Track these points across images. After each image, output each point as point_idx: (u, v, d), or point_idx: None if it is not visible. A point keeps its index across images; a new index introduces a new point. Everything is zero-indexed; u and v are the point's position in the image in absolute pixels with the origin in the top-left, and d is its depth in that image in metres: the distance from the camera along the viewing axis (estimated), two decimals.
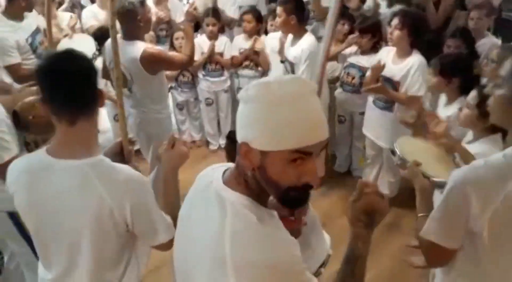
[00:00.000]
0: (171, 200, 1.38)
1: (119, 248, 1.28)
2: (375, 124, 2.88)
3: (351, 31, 3.31)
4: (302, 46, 2.88)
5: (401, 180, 2.98)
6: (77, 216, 1.19)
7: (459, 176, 1.17)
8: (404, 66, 2.63)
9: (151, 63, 2.47)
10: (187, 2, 4.16)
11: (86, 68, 1.21)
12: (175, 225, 1.30)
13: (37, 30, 2.91)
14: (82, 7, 4.20)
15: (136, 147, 3.36)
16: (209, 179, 0.96)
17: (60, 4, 4.15)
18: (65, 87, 1.16)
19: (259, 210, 0.88)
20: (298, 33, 2.95)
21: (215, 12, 3.64)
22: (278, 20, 2.95)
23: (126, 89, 2.53)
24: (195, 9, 2.70)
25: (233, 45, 3.76)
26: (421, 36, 2.62)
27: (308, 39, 2.90)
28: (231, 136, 2.25)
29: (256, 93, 0.83)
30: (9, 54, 2.71)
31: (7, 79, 2.71)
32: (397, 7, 3.29)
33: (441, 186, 1.59)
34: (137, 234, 1.28)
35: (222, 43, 3.72)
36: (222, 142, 4.01)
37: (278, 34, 3.36)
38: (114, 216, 1.19)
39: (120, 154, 1.56)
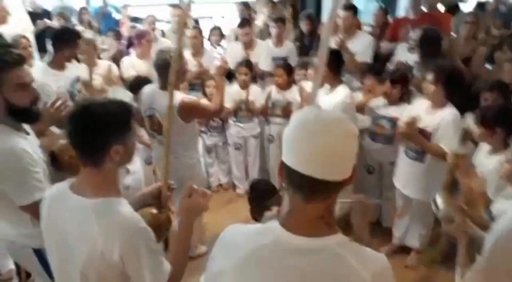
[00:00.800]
0: (179, 248, 1.39)
1: None
2: (405, 174, 2.82)
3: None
4: (336, 97, 2.93)
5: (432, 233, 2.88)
6: (76, 252, 1.22)
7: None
8: (437, 118, 2.62)
9: (187, 112, 2.60)
10: (219, 54, 4.38)
11: (100, 121, 1.22)
12: (180, 273, 1.34)
13: (76, 79, 3.11)
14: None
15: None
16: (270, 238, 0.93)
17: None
18: (76, 137, 1.24)
19: None
20: (333, 84, 3.00)
21: (247, 63, 3.82)
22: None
23: (162, 136, 2.65)
24: (225, 63, 2.89)
25: (263, 95, 3.86)
26: (456, 91, 2.61)
27: (342, 91, 2.96)
28: (255, 187, 2.29)
29: (300, 114, 0.93)
30: (49, 97, 2.88)
31: None
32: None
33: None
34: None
35: (254, 93, 3.84)
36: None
37: (307, 83, 3.47)
38: (105, 258, 1.18)
39: (158, 197, 1.59)
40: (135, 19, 5.72)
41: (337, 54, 3.05)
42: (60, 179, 2.22)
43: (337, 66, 2.99)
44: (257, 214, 2.14)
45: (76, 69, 3.19)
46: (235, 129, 3.92)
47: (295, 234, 0.92)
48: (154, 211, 1.56)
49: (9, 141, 1.63)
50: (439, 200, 1.63)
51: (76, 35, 3.18)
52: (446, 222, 1.58)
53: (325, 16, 6.60)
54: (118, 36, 4.68)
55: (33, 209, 1.52)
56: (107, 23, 5.32)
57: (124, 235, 1.19)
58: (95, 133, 1.22)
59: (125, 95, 3.51)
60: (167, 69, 2.45)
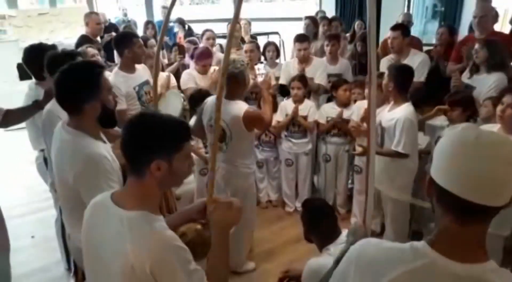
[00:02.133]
0: (215, 264, 1.33)
1: None
2: None
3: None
4: (397, 114, 2.82)
5: None
6: (109, 263, 1.18)
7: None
8: None
9: (251, 122, 2.73)
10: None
11: (142, 137, 1.20)
12: None
13: (145, 82, 3.26)
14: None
15: None
16: None
17: (170, 64, 4.59)
18: (124, 141, 1.23)
19: None
20: (397, 100, 2.92)
21: (301, 77, 3.77)
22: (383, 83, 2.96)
23: (223, 143, 2.77)
24: (269, 78, 3.05)
25: (320, 112, 3.79)
26: None
27: (406, 109, 2.83)
28: (307, 205, 2.20)
29: (458, 131, 0.89)
30: (118, 101, 3.00)
31: None
32: (494, 75, 3.14)
33: None
34: None
35: (307, 107, 3.77)
36: (298, 204, 3.93)
37: (364, 103, 3.36)
38: (136, 272, 1.12)
39: (203, 212, 1.55)
40: (190, 34, 5.90)
41: (404, 70, 2.95)
42: None
43: (401, 82, 2.88)
44: (313, 235, 2.03)
45: (145, 73, 3.34)
46: (286, 145, 3.85)
47: (449, 258, 0.88)
48: (199, 226, 1.51)
49: (90, 146, 1.69)
50: None
51: (131, 35, 3.33)
52: None
53: (381, 32, 6.48)
54: (182, 50, 4.82)
55: None
56: (168, 37, 5.52)
57: (156, 252, 1.13)
58: (140, 142, 1.21)
59: (178, 97, 3.59)
60: (234, 80, 2.69)
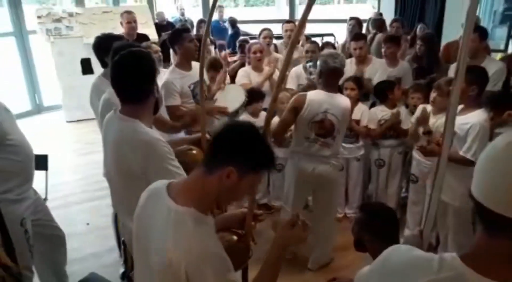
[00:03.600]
0: (265, 278, 1.28)
1: None
2: None
3: None
4: (472, 119, 2.61)
5: None
6: (151, 254, 1.17)
7: None
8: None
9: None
10: None
11: (245, 143, 1.18)
12: None
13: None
14: None
15: None
16: None
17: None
18: (218, 138, 1.20)
19: None
20: (471, 105, 2.67)
21: (355, 78, 3.64)
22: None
23: (329, 138, 2.83)
24: None
25: (371, 115, 3.64)
26: None
27: (481, 114, 2.63)
28: (368, 208, 2.07)
29: (496, 140, 0.80)
30: (172, 96, 3.11)
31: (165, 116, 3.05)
32: None
33: None
34: None
35: (360, 111, 3.64)
36: (348, 211, 3.83)
37: (428, 106, 3.19)
38: (173, 267, 1.10)
39: (242, 223, 1.54)
40: (236, 33, 5.91)
41: (485, 73, 2.72)
42: None
43: (483, 86, 2.67)
44: (369, 241, 1.86)
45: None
46: None
47: (477, 273, 0.81)
48: (234, 237, 1.48)
49: (148, 132, 1.72)
50: None
51: (182, 30, 3.34)
52: None
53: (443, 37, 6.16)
54: (243, 49, 4.84)
55: None
56: (222, 36, 5.57)
57: (192, 254, 1.10)
58: (232, 143, 1.18)
59: (239, 90, 3.58)
60: (336, 74, 2.73)
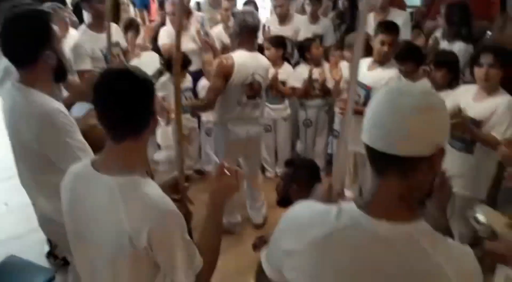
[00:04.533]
0: (209, 236, 1.26)
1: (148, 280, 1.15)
2: (450, 167, 2.59)
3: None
4: (382, 74, 2.76)
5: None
6: (102, 239, 1.11)
7: None
8: (489, 104, 2.38)
9: None
10: None
11: (138, 89, 1.13)
12: (212, 265, 1.22)
13: (115, 44, 3.01)
14: None
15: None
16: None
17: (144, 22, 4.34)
18: (113, 107, 1.12)
19: None
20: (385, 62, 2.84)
21: (275, 38, 3.60)
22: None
23: (257, 98, 2.84)
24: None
25: (294, 75, 3.67)
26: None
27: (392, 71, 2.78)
28: (293, 163, 2.12)
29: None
30: (81, 60, 2.87)
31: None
32: (458, 44, 3.16)
33: None
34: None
35: (285, 72, 3.65)
36: (279, 170, 3.91)
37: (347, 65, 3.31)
38: (134, 244, 1.07)
39: (176, 188, 1.49)
40: None
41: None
42: None
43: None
44: (295, 192, 1.91)
45: (116, 34, 3.09)
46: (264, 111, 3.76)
47: (374, 217, 0.85)
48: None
49: (44, 102, 1.57)
50: (481, 215, 1.46)
51: None
52: (489, 239, 1.41)
53: None
54: (162, 6, 4.56)
55: None
56: None
57: (153, 220, 1.07)
58: (135, 101, 1.12)
59: (155, 59, 3.44)
60: (255, 31, 2.68)
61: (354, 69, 1.21)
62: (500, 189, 2.43)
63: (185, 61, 3.48)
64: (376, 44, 2.83)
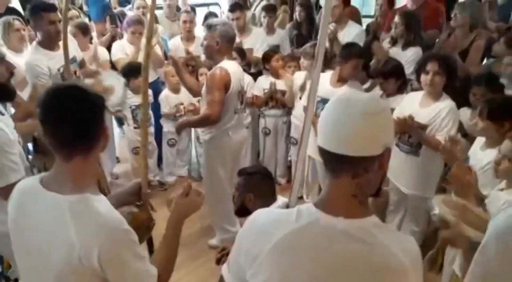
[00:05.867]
0: (168, 248, 1.28)
1: None
2: (399, 168, 2.72)
3: None
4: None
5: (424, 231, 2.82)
6: (51, 257, 1.07)
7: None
8: (433, 109, 2.53)
9: None
10: None
11: (86, 105, 1.10)
12: (168, 274, 1.23)
13: (71, 60, 2.87)
14: None
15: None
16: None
17: (103, 34, 4.27)
18: (59, 124, 1.09)
19: None
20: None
21: (238, 50, 3.65)
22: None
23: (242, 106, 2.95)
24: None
25: (256, 85, 3.76)
26: (454, 81, 2.54)
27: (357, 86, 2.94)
28: (244, 172, 2.14)
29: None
30: (39, 78, 2.73)
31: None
32: (413, 50, 3.31)
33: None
34: None
35: (246, 82, 3.70)
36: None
37: (303, 73, 3.43)
38: (84, 263, 1.04)
39: (137, 194, 1.49)
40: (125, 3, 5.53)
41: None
42: (40, 165, 2.15)
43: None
44: (250, 200, 1.94)
45: (72, 50, 2.88)
46: None
47: (328, 214, 0.91)
48: (135, 209, 1.45)
49: None
50: (436, 208, 1.56)
51: (41, 8, 2.74)
52: (443, 226, 1.51)
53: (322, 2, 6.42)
54: (113, 21, 4.50)
55: (7, 192, 1.37)
56: (98, 7, 5.15)
57: (103, 238, 1.05)
58: (92, 113, 1.11)
59: (118, 80, 3.42)
60: (234, 41, 2.74)
61: (314, 81, 1.23)
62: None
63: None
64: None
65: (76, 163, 1.11)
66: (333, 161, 0.92)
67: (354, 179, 0.91)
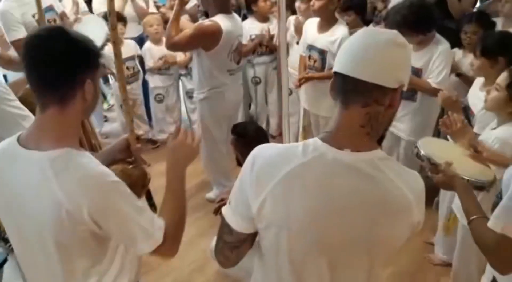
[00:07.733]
0: (172, 200, 1.19)
1: (98, 255, 1.12)
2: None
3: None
4: (336, 34, 2.71)
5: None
6: (37, 217, 1.04)
7: None
8: (426, 52, 2.48)
9: None
10: None
11: (67, 51, 1.03)
12: (179, 228, 1.16)
13: (48, 8, 2.73)
14: None
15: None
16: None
17: None
18: (38, 67, 1.03)
19: None
20: (330, 22, 2.77)
21: None
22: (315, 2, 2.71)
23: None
24: None
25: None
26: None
27: (342, 29, 2.74)
28: (238, 131, 2.14)
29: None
30: (14, 28, 2.61)
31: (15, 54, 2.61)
32: None
33: (481, 187, 1.50)
34: (115, 240, 1.13)
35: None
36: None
37: (293, 18, 3.29)
38: (75, 219, 1.01)
39: (127, 150, 1.43)
40: None
41: None
42: None
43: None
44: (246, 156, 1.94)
45: None
46: None
47: (337, 148, 0.90)
48: (126, 166, 1.40)
49: None
50: (421, 149, 1.57)
51: None
52: (433, 171, 1.52)
53: None
54: None
55: None
56: None
57: (91, 190, 1.01)
58: (61, 63, 1.02)
59: (100, 24, 3.23)
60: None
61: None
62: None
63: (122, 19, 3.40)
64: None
65: (52, 114, 1.05)
66: (345, 89, 0.91)
67: (364, 108, 0.90)
